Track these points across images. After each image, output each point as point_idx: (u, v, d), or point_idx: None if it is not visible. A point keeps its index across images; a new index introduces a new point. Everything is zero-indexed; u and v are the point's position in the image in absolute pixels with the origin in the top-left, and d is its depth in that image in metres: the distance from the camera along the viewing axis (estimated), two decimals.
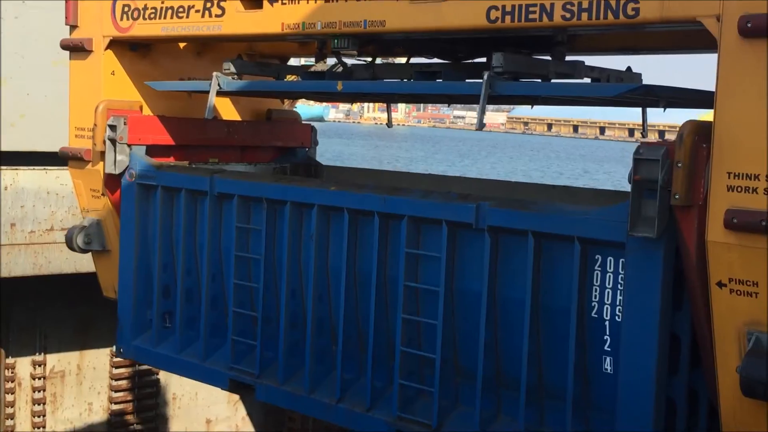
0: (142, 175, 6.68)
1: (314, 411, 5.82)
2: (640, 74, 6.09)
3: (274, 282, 6.03)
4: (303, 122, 8.10)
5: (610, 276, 4.56)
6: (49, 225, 10.66)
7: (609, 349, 4.62)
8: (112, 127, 6.65)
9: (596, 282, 4.61)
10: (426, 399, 5.27)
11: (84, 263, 8.37)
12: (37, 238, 10.59)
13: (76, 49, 6.94)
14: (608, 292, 4.58)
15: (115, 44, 6.82)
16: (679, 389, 4.56)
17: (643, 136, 6.82)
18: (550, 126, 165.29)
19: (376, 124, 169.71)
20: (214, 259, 6.39)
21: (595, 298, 4.62)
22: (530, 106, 7.04)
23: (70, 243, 7.21)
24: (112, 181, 6.84)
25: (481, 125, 5.05)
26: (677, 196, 4.11)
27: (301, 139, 7.96)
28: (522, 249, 4.79)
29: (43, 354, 12.88)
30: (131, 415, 13.26)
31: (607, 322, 4.60)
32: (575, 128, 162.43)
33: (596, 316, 4.63)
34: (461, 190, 6.82)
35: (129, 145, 6.71)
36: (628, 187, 4.27)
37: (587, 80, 5.86)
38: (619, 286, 4.53)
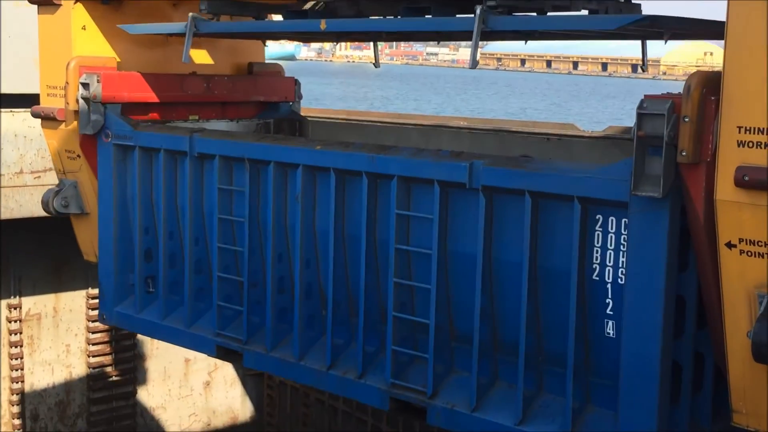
0: (118, 135, 6.40)
1: (304, 378, 5.64)
2: (639, 5, 5.78)
3: (260, 245, 5.80)
4: (286, 76, 7.79)
5: (612, 237, 4.34)
6: (18, 168, 10.48)
7: (611, 313, 4.43)
8: (85, 85, 6.36)
9: (597, 243, 4.39)
10: (420, 365, 5.09)
11: None
12: (7, 182, 10.43)
13: (44, 3, 6.60)
14: (610, 254, 4.37)
15: None
16: (685, 353, 4.39)
17: (643, 70, 6.53)
18: (523, 62, 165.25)
19: (348, 62, 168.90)
20: (196, 221, 6.15)
21: (596, 260, 4.41)
22: (524, 42, 6.69)
23: (46, 207, 6.97)
24: (87, 142, 6.56)
25: (474, 63, 4.73)
26: (684, 153, 3.88)
27: (284, 93, 7.68)
28: (518, 209, 4.55)
29: (18, 297, 12.87)
30: (109, 355, 13.29)
31: (609, 285, 4.40)
32: (548, 63, 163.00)
33: (597, 278, 4.42)
34: (452, 142, 6.60)
35: (104, 104, 6.41)
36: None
37: (585, 12, 5.57)
38: (621, 247, 4.31)
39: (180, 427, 14.69)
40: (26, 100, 9.24)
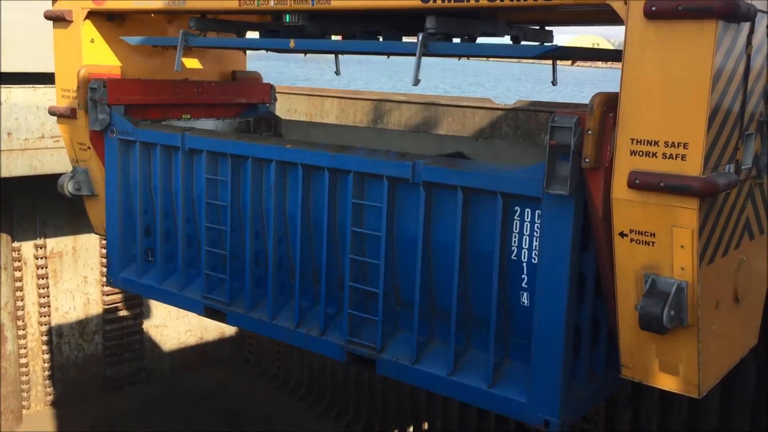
0: (122, 132, 6.14)
1: (276, 334, 5.50)
2: (551, 31, 5.69)
3: (240, 225, 5.62)
4: (263, 82, 7.55)
5: (527, 225, 4.27)
6: (40, 134, 10.39)
7: (526, 286, 4.36)
8: (93, 90, 6.06)
9: (516, 230, 4.31)
10: (371, 325, 4.98)
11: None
12: (31, 144, 10.35)
13: (58, 19, 6.27)
14: (526, 239, 4.29)
15: (93, 15, 6.16)
16: (584, 318, 4.34)
17: (554, 84, 6.42)
18: None
19: None
20: (187, 204, 5.94)
21: (515, 243, 4.33)
22: (458, 58, 6.51)
23: (61, 189, 6.69)
24: (96, 136, 6.29)
25: (416, 82, 4.60)
26: (587, 160, 3.80)
27: (262, 96, 7.44)
28: (452, 201, 4.45)
29: (43, 238, 12.94)
30: None
31: (524, 264, 4.33)
32: None
33: (515, 258, 4.35)
34: (399, 140, 6.46)
35: (109, 105, 6.14)
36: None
37: (508, 37, 5.46)
38: (535, 233, 4.24)
39: (178, 341, 14.81)
40: (46, 78, 9.01)
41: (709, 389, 4.04)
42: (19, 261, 12.68)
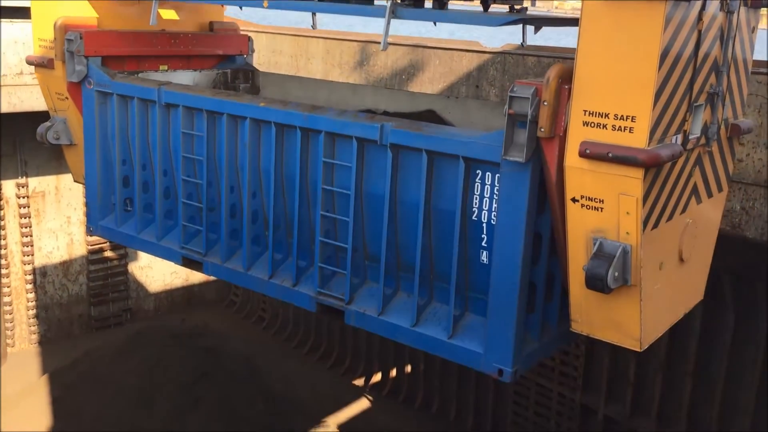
0: (99, 83, 6.23)
1: (251, 284, 5.74)
2: None
3: (216, 179, 5.80)
4: (241, 33, 7.60)
5: (488, 188, 4.48)
6: (19, 69, 10.21)
7: (485, 245, 4.60)
8: (70, 41, 6.13)
9: (476, 192, 4.53)
10: (340, 278, 5.23)
11: None
12: (10, 81, 10.14)
13: None
14: (486, 201, 4.52)
15: None
16: (540, 275, 4.60)
17: (522, 46, 6.56)
18: None
19: None
20: (164, 157, 6.09)
21: (476, 204, 4.55)
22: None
23: (41, 138, 6.80)
24: (73, 87, 6.39)
25: (385, 46, 4.74)
26: (542, 129, 4.00)
27: (239, 48, 7.50)
28: (417, 163, 4.65)
29: (25, 177, 12.87)
30: None
31: (484, 224, 4.56)
32: None
33: (476, 219, 4.58)
34: (373, 97, 6.59)
35: (86, 57, 6.22)
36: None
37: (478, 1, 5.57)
38: (494, 196, 4.46)
39: (163, 283, 15.05)
40: (23, 12, 8.80)
41: (651, 342, 4.35)
42: (1, 200, 12.72)
